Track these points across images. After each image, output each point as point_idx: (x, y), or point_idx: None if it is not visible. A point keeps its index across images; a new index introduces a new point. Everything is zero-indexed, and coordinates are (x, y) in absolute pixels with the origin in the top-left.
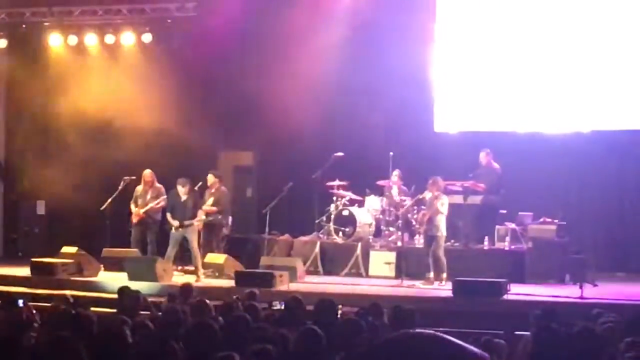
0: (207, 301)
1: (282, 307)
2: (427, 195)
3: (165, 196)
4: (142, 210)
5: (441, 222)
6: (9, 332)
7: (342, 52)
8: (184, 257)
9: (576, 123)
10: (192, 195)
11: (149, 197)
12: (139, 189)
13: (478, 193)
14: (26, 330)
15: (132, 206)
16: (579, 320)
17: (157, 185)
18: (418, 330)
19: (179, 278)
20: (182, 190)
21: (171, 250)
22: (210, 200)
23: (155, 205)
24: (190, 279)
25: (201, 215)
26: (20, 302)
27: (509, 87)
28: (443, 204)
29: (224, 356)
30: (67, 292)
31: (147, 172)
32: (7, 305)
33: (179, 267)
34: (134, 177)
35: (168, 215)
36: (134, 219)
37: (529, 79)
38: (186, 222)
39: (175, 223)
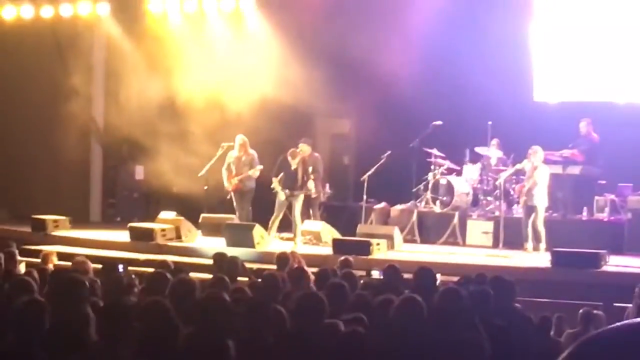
0: (305, 268)
1: (380, 276)
2: (526, 165)
3: (259, 164)
4: (237, 179)
5: (540, 192)
6: (110, 297)
7: (443, 19)
8: (281, 224)
9: None
10: (302, 164)
11: (242, 163)
12: (232, 154)
13: (577, 163)
14: (126, 294)
15: (225, 172)
16: None
17: (250, 151)
18: None
19: (276, 245)
20: (293, 160)
21: (276, 217)
22: (310, 169)
23: (251, 174)
24: (287, 246)
25: (312, 187)
26: (120, 267)
27: (608, 57)
28: (543, 175)
29: (330, 324)
30: (167, 258)
31: (241, 138)
32: (108, 270)
33: (276, 234)
34: (232, 143)
35: (275, 182)
36: (229, 188)
37: (629, 48)
38: (296, 192)
39: (286, 192)
